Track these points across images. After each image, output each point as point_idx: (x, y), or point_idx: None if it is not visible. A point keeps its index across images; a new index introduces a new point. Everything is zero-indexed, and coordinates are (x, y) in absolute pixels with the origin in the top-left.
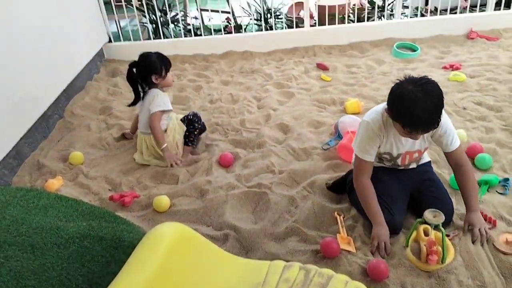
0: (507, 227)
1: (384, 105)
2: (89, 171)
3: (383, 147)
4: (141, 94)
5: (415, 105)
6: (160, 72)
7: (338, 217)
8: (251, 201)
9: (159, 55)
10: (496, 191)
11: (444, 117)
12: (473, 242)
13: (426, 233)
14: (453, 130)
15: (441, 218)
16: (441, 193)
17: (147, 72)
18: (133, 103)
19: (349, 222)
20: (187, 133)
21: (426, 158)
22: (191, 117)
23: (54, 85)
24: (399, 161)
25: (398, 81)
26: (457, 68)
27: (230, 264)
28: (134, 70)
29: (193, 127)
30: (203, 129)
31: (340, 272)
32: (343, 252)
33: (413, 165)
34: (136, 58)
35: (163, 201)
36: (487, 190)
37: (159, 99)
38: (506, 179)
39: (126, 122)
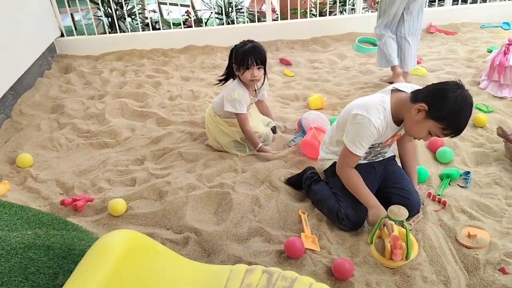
0: (469, 220)
1: (378, 97)
2: (39, 174)
3: (380, 139)
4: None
5: (466, 112)
6: (237, 64)
7: (302, 215)
8: (213, 201)
9: (254, 48)
10: (458, 185)
11: None
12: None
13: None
14: None
15: (405, 214)
16: (408, 184)
17: (231, 59)
18: (220, 81)
19: (313, 220)
20: None
21: (391, 152)
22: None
23: (0, 82)
24: (381, 145)
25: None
26: (417, 63)
27: (189, 271)
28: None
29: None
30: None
31: (305, 272)
32: (308, 252)
33: (386, 149)
34: (91, 53)
35: (119, 204)
36: (449, 184)
37: (233, 100)
38: (467, 172)
39: (79, 120)
